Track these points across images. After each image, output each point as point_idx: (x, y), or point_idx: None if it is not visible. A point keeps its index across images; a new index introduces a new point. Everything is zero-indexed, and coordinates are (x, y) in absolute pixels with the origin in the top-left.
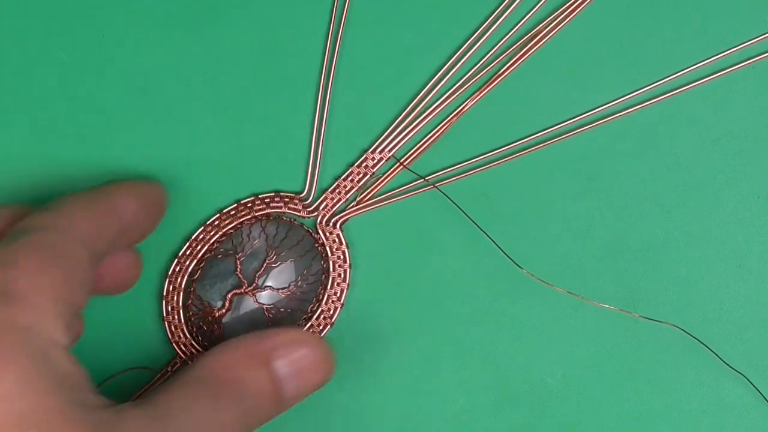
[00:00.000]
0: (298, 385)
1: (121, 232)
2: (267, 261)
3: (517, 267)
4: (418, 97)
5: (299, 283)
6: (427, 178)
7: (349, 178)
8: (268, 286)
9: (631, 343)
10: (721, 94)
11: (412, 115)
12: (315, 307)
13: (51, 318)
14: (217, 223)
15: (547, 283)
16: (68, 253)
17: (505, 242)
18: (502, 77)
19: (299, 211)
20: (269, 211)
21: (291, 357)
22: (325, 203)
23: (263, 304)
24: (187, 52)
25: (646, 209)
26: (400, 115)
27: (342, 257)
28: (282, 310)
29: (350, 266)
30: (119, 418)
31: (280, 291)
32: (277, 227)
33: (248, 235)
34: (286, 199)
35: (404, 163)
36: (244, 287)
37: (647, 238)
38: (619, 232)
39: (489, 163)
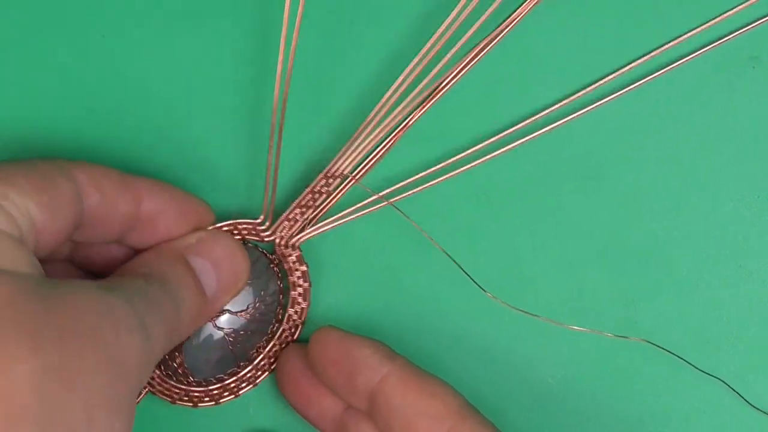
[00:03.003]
0: (218, 277)
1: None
2: None
3: (481, 289)
4: (371, 114)
5: (257, 304)
6: (381, 194)
7: (305, 201)
8: (226, 310)
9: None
10: (721, 91)
11: (365, 132)
12: (276, 328)
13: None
14: None
15: (511, 306)
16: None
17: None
18: (448, 87)
19: (258, 236)
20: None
21: (203, 251)
22: (282, 227)
23: (223, 329)
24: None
25: (645, 209)
26: (354, 133)
27: (302, 277)
28: (242, 333)
29: (310, 285)
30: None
31: (239, 314)
32: None
33: None
34: (246, 228)
35: (357, 179)
36: None
37: (647, 238)
38: (619, 233)
39: (447, 173)
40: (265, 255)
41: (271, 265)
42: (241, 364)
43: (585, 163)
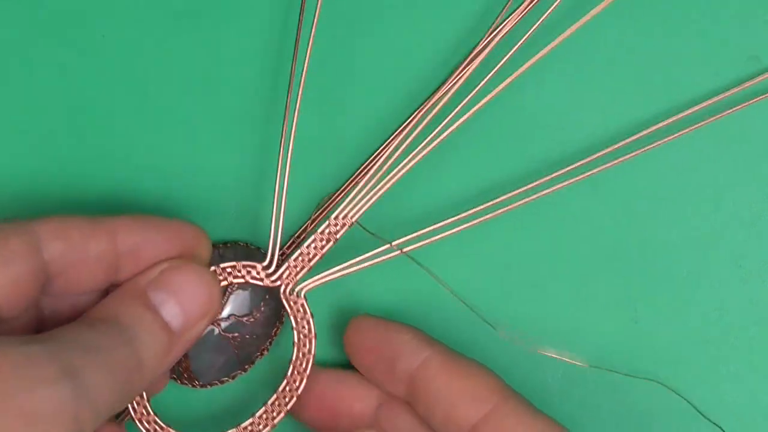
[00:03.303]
0: (180, 309)
1: (115, 266)
2: (229, 289)
3: (492, 328)
4: (381, 159)
5: (262, 308)
6: (395, 243)
7: (312, 245)
8: (231, 315)
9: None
10: (719, 92)
11: (376, 177)
12: (278, 330)
13: None
14: None
15: (523, 343)
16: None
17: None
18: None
19: (262, 280)
20: (232, 280)
21: (166, 285)
22: (288, 271)
23: (228, 333)
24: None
25: (645, 210)
26: (363, 178)
27: (306, 327)
28: (247, 337)
29: (315, 336)
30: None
31: (243, 318)
32: (235, 252)
33: None
34: (249, 268)
35: (354, 222)
36: None
37: (647, 239)
38: (619, 233)
39: (464, 224)
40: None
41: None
42: (246, 367)
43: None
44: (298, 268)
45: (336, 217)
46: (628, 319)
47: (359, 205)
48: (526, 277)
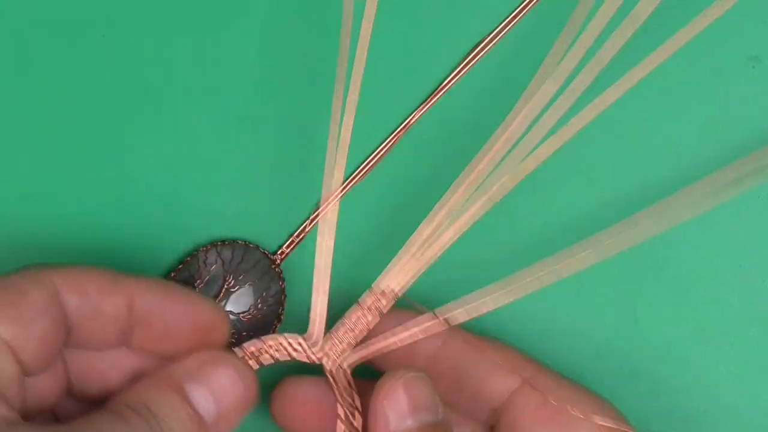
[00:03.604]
0: (218, 406)
1: (128, 325)
2: (225, 286)
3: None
4: (429, 229)
5: (259, 305)
6: (442, 316)
7: (356, 319)
8: (228, 312)
9: None
10: (723, 90)
11: (422, 249)
12: (276, 328)
13: None
14: None
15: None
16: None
17: None
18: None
19: (305, 355)
20: (274, 354)
21: (203, 378)
22: (331, 346)
23: None
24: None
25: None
26: (408, 250)
27: (351, 399)
28: (245, 334)
29: (359, 410)
30: None
31: (241, 315)
32: (233, 251)
33: (204, 262)
34: (290, 341)
35: (417, 306)
36: None
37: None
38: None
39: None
40: (267, 256)
41: (273, 266)
42: None
43: (584, 162)
44: (343, 344)
45: (377, 286)
46: (628, 319)
47: (403, 275)
48: None
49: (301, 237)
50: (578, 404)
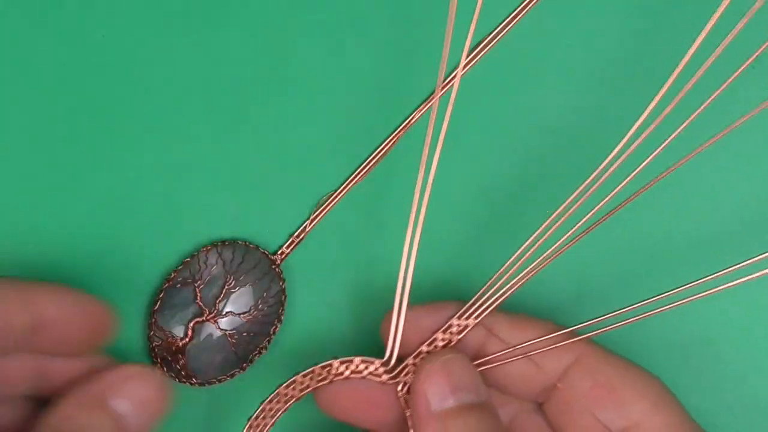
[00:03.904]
0: (140, 415)
1: (32, 333)
2: (226, 286)
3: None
4: (512, 258)
5: (259, 306)
6: (518, 348)
7: (433, 344)
8: (228, 312)
9: None
10: (720, 94)
11: (502, 280)
12: (276, 328)
13: None
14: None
15: None
16: None
17: None
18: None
19: (380, 377)
20: (347, 374)
21: (126, 391)
22: (406, 370)
23: (225, 330)
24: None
25: (645, 209)
26: (489, 280)
27: None
28: (245, 334)
29: None
30: None
31: (241, 315)
32: (233, 251)
33: (205, 262)
34: (367, 363)
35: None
36: (205, 315)
37: (647, 238)
38: (619, 233)
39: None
40: (267, 256)
41: (273, 267)
42: (245, 366)
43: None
44: (416, 368)
45: (459, 317)
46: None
47: (485, 305)
48: None
49: (301, 237)
50: (629, 382)
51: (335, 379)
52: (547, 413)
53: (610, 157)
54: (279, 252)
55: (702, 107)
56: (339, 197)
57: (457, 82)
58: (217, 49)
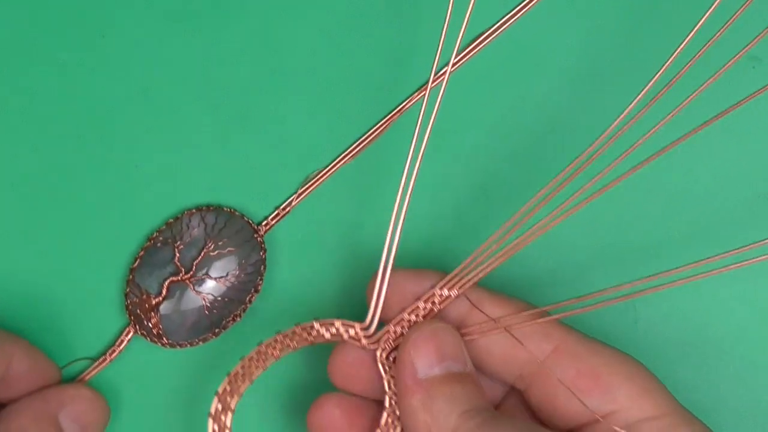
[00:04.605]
0: (84, 430)
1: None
2: (205, 250)
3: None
4: (496, 234)
5: (238, 273)
6: (498, 319)
7: (414, 313)
8: (205, 275)
9: None
10: (720, 93)
11: (485, 254)
12: (253, 297)
13: None
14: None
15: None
16: None
17: None
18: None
19: (359, 341)
20: (328, 337)
21: (73, 411)
22: (386, 336)
23: (200, 292)
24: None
25: (645, 209)
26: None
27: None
28: (220, 299)
29: None
30: None
31: (218, 280)
32: (217, 216)
33: (188, 224)
34: (347, 327)
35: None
36: (181, 275)
37: (647, 238)
38: (619, 233)
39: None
40: (250, 225)
41: (255, 236)
42: (217, 331)
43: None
44: (397, 334)
45: (442, 287)
46: (628, 319)
47: (466, 278)
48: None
49: (287, 210)
50: (615, 369)
51: (315, 341)
52: (530, 400)
53: (602, 137)
54: (263, 223)
55: (694, 94)
56: (327, 175)
57: (448, 74)
58: (217, 48)
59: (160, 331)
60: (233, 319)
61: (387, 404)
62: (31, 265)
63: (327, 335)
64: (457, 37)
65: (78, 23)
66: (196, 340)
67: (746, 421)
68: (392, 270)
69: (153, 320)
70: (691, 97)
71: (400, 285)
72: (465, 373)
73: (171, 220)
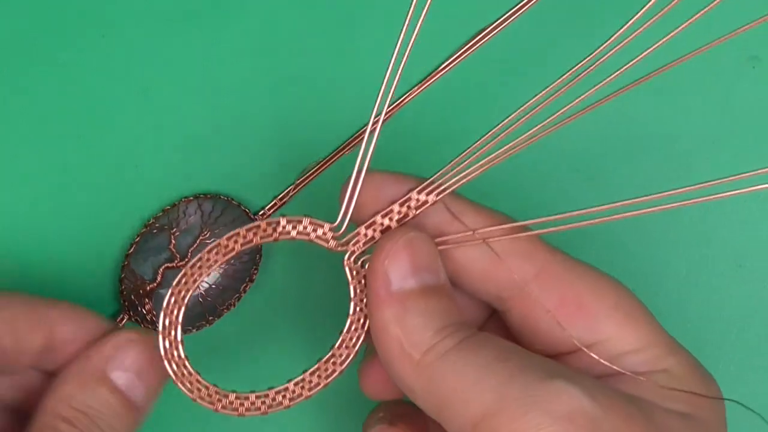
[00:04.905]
0: (143, 386)
1: (43, 353)
2: (201, 237)
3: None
4: (480, 141)
5: (233, 261)
6: (477, 233)
7: (388, 216)
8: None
9: None
10: (720, 92)
11: (467, 161)
12: (247, 286)
13: None
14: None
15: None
16: None
17: None
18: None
19: (327, 242)
20: (294, 234)
21: (124, 364)
22: (356, 239)
23: None
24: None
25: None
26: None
27: (365, 300)
28: (214, 287)
29: None
30: None
31: None
32: (213, 204)
33: (184, 212)
34: (316, 226)
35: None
36: (176, 261)
37: (647, 238)
38: (619, 233)
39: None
40: (247, 214)
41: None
42: (211, 319)
43: (583, 159)
44: (367, 237)
45: (419, 191)
46: None
47: (445, 184)
48: None
49: (284, 201)
50: (599, 296)
51: (280, 238)
52: (510, 323)
53: (598, 50)
54: (261, 213)
55: (680, 27)
56: (325, 166)
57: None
58: (217, 48)
59: (154, 318)
60: (227, 308)
61: (351, 311)
62: (28, 248)
63: (293, 233)
64: None
65: (78, 23)
66: (190, 328)
67: (746, 421)
68: (368, 172)
69: (147, 306)
70: (682, 26)
71: (375, 188)
72: (440, 286)
73: (168, 207)
